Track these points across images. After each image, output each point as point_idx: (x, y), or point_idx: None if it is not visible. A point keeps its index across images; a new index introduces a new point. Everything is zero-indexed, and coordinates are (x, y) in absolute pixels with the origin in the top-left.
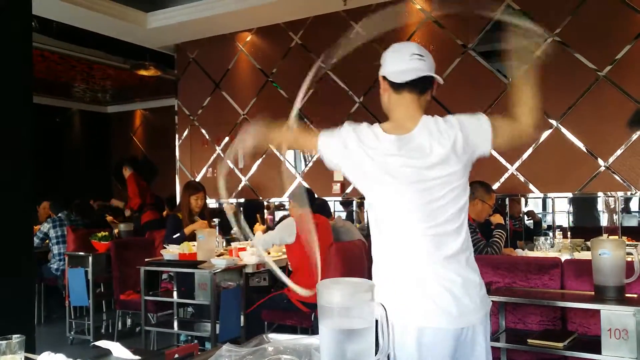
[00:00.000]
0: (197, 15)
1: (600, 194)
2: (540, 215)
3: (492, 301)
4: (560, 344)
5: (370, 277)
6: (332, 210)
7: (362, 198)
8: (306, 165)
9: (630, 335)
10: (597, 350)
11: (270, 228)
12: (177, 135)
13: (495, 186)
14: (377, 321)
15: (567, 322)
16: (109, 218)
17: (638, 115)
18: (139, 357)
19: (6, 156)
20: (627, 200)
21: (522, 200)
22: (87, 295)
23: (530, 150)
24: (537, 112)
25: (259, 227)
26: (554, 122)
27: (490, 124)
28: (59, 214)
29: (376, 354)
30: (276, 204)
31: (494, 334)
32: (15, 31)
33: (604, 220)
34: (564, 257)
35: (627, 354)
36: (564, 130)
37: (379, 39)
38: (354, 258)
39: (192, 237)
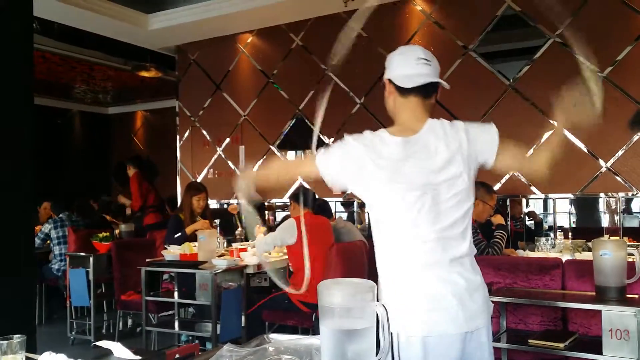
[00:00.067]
0: (198, 16)
1: (601, 194)
2: (541, 216)
3: (493, 302)
4: (561, 345)
5: (370, 278)
6: (333, 210)
7: None
8: None
9: (632, 335)
10: (598, 350)
11: (271, 229)
12: (178, 137)
13: (496, 187)
14: (377, 321)
15: (568, 323)
16: (109, 218)
17: (639, 116)
18: (140, 357)
19: (7, 157)
20: (628, 201)
21: (523, 201)
22: (88, 296)
23: (531, 151)
24: (550, 166)
25: (259, 229)
26: (555, 122)
27: (499, 138)
28: (60, 215)
29: (377, 354)
30: (278, 204)
31: (495, 334)
32: (16, 32)
33: (605, 221)
34: (565, 257)
35: (628, 354)
36: (565, 131)
37: (380, 40)
38: (354, 259)
39: (193, 237)
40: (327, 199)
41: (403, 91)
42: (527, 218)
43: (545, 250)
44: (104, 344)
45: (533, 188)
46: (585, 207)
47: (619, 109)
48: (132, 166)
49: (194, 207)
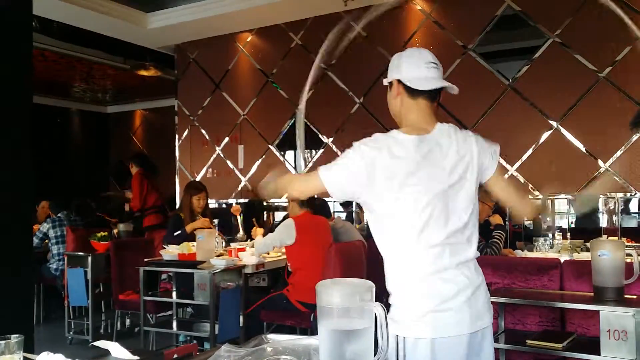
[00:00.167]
0: (197, 15)
1: (600, 195)
2: (539, 216)
3: (491, 302)
4: (560, 345)
5: (369, 278)
6: (331, 210)
7: None
8: (306, 165)
9: (630, 336)
10: (596, 351)
11: (270, 230)
12: (177, 136)
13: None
14: (376, 321)
15: (566, 323)
16: (108, 218)
17: (637, 117)
18: (138, 358)
19: (6, 156)
20: (627, 201)
21: None
22: (86, 296)
23: (530, 151)
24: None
25: (257, 230)
26: (554, 123)
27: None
28: (59, 214)
29: (375, 354)
30: (276, 204)
31: (493, 334)
32: (16, 31)
33: (603, 222)
34: (564, 258)
35: (626, 355)
36: (564, 131)
37: (379, 40)
38: (353, 258)
39: (193, 237)
40: (326, 199)
41: (414, 93)
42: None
43: (543, 250)
44: (101, 344)
45: (532, 188)
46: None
47: (618, 109)
48: (135, 164)
49: (194, 207)
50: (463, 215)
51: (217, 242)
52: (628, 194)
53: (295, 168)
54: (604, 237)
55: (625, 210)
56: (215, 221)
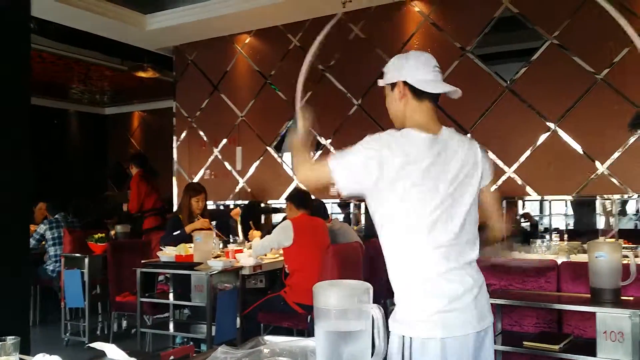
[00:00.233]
0: (195, 17)
1: (597, 197)
2: (536, 218)
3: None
4: (556, 347)
5: (367, 280)
6: (329, 212)
7: (360, 200)
8: None
9: (626, 337)
10: (592, 352)
11: (268, 232)
12: (174, 137)
13: (492, 188)
14: (373, 323)
15: (563, 325)
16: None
17: (636, 118)
18: (134, 359)
19: (3, 157)
20: (624, 203)
21: (520, 202)
22: (83, 297)
23: (527, 153)
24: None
25: (253, 233)
26: (551, 124)
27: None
28: (56, 215)
29: (372, 356)
30: (273, 206)
31: None
32: (14, 32)
33: (600, 223)
34: (561, 259)
35: (623, 356)
36: (561, 132)
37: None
38: (350, 260)
39: (192, 237)
40: (323, 200)
41: (421, 95)
42: (522, 220)
43: (540, 252)
44: (98, 345)
45: (529, 189)
46: (581, 209)
47: (616, 111)
48: (135, 165)
49: (193, 208)
50: (467, 217)
51: (214, 244)
52: (625, 196)
53: (292, 169)
54: (601, 239)
55: (623, 212)
56: (213, 223)
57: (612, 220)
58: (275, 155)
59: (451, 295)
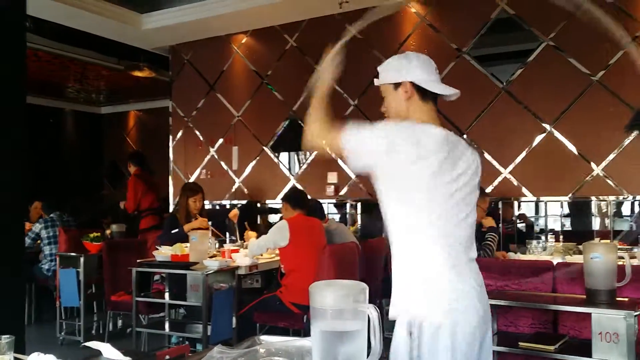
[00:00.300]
0: (192, 16)
1: (592, 198)
2: (532, 219)
3: None
4: (552, 347)
5: (363, 280)
6: (325, 212)
7: (356, 200)
8: (300, 167)
9: (621, 338)
10: (588, 353)
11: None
12: (171, 137)
13: (488, 189)
14: (369, 323)
15: (558, 326)
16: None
17: (633, 120)
18: (130, 359)
19: (0, 155)
20: (619, 204)
21: (515, 203)
22: (78, 296)
23: (523, 154)
24: None
25: (249, 234)
26: (547, 126)
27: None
28: (51, 215)
29: (368, 356)
30: (270, 206)
31: None
32: (9, 31)
33: (596, 224)
34: (556, 260)
35: (618, 357)
36: (557, 134)
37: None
38: (347, 260)
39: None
40: (320, 200)
41: (427, 96)
42: (518, 220)
43: (536, 253)
44: (93, 344)
45: (525, 191)
46: (577, 210)
47: (611, 113)
48: (133, 164)
49: (190, 208)
50: (470, 215)
51: (210, 243)
52: (620, 197)
53: (289, 169)
54: (597, 239)
55: (618, 213)
56: (209, 222)
57: (607, 221)
58: (272, 155)
59: (459, 290)
